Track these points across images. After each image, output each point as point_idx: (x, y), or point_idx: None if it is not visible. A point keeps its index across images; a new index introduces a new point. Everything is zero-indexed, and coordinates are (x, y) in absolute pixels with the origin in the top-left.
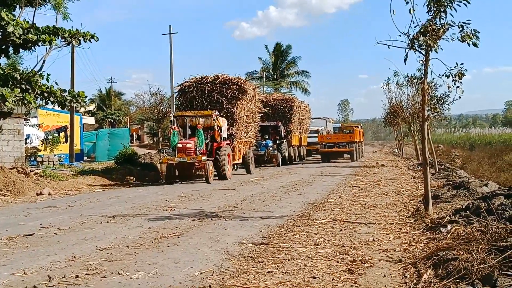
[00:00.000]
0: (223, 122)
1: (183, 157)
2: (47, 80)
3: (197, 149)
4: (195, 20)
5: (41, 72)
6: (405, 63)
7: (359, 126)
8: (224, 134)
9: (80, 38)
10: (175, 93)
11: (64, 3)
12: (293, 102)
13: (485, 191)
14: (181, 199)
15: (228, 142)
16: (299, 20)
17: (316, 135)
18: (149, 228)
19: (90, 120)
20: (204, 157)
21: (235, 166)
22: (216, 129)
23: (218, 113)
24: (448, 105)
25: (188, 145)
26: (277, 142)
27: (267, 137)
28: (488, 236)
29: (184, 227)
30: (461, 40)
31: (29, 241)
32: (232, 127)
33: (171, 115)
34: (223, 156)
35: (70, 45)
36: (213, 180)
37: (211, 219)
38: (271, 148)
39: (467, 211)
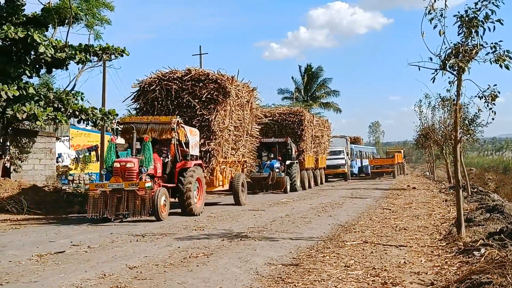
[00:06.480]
0: (192, 134)
1: (119, 182)
2: (82, 99)
3: (142, 170)
4: (224, 41)
5: (73, 91)
6: (433, 82)
7: (402, 151)
8: (194, 151)
9: (110, 53)
10: (132, 93)
11: (98, 25)
12: (302, 115)
13: None
14: (210, 219)
15: (199, 162)
16: (329, 40)
17: (338, 156)
18: (179, 247)
19: (121, 139)
20: (148, 184)
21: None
22: (173, 142)
23: (181, 120)
24: (481, 127)
25: (128, 165)
26: (287, 163)
27: (272, 156)
28: None
29: (214, 247)
30: (494, 62)
31: (59, 259)
32: (209, 142)
33: (114, 122)
34: (188, 181)
35: (102, 61)
36: (168, 215)
37: (241, 239)
38: (277, 170)
39: (502, 235)
